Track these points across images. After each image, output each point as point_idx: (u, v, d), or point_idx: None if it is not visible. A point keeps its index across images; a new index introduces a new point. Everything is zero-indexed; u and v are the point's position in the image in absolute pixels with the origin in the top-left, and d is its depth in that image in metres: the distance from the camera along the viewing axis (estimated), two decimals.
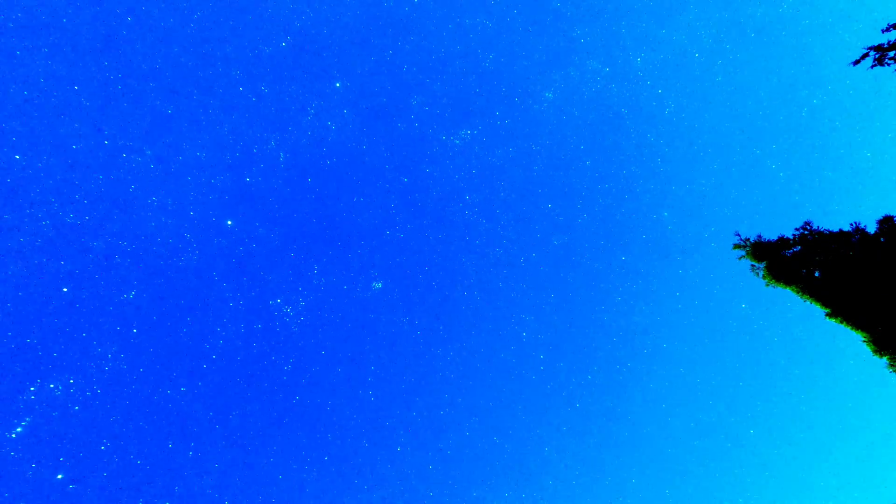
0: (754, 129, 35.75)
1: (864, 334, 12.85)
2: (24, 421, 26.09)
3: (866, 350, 13.16)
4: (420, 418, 35.25)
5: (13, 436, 25.95)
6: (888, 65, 12.75)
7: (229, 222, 28.95)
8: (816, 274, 13.49)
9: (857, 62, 13.02)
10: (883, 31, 12.73)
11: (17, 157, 23.06)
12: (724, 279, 36.63)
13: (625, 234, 36.49)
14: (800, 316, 36.45)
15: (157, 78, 26.37)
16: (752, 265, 14.56)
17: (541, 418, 37.10)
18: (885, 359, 12.77)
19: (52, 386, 26.34)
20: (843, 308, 13.00)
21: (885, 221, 12.77)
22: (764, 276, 14.33)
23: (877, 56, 12.79)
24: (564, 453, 37.25)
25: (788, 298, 38.63)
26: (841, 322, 13.19)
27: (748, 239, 14.55)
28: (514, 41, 33.50)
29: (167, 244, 28.13)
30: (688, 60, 34.88)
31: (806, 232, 13.76)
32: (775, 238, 14.20)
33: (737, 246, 14.82)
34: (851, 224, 13.27)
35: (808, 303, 13.82)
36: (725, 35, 34.37)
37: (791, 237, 13.94)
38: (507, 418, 36.84)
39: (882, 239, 12.69)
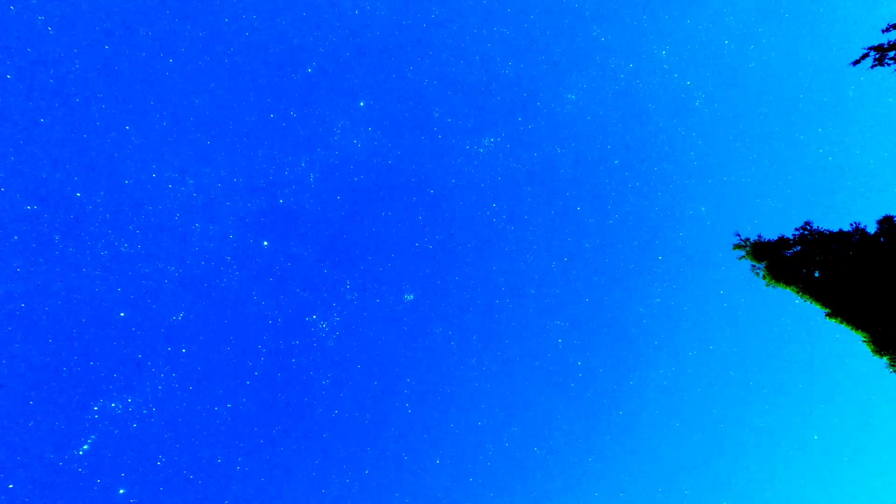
0: (754, 129, 35.76)
1: (864, 334, 12.86)
2: (90, 438, 28.60)
3: (866, 350, 13.16)
4: (457, 428, 36.09)
5: (80, 453, 28.37)
6: (888, 65, 12.76)
7: (265, 243, 31.16)
8: (816, 274, 13.49)
9: (857, 62, 13.02)
10: (883, 31, 12.73)
11: (79, 194, 25.68)
12: (724, 279, 36.64)
13: (624, 234, 36.51)
14: (800, 316, 36.47)
15: (199, 114, 29.08)
16: (752, 265, 14.56)
17: (578, 425, 37.30)
18: (885, 359, 12.78)
19: (113, 405, 28.94)
20: (843, 308, 13.00)
21: (885, 221, 12.77)
22: (764, 276, 14.33)
23: (877, 56, 12.80)
24: (581, 455, 37.34)
25: (788, 298, 38.64)
26: (841, 322, 13.20)
27: (748, 239, 14.55)
28: (531, 45, 33.72)
29: (210, 268, 30.60)
30: (686, 61, 34.89)
31: (806, 232, 13.77)
32: (775, 238, 14.20)
33: (737, 246, 14.82)
34: (851, 224, 13.27)
35: (808, 303, 13.83)
36: (725, 35, 34.39)
37: (791, 237, 13.95)
38: (546, 427, 37.27)
39: (882, 239, 12.69)
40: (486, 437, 36.39)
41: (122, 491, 28.89)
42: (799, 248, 13.78)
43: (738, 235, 14.72)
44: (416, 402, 35.41)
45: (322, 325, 33.22)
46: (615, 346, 37.14)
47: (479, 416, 36.23)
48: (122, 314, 28.18)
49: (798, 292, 13.80)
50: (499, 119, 34.66)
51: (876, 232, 12.90)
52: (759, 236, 14.42)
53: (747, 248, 14.54)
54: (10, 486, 26.35)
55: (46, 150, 26.01)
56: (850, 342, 37.10)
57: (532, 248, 35.91)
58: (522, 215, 35.63)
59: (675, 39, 34.46)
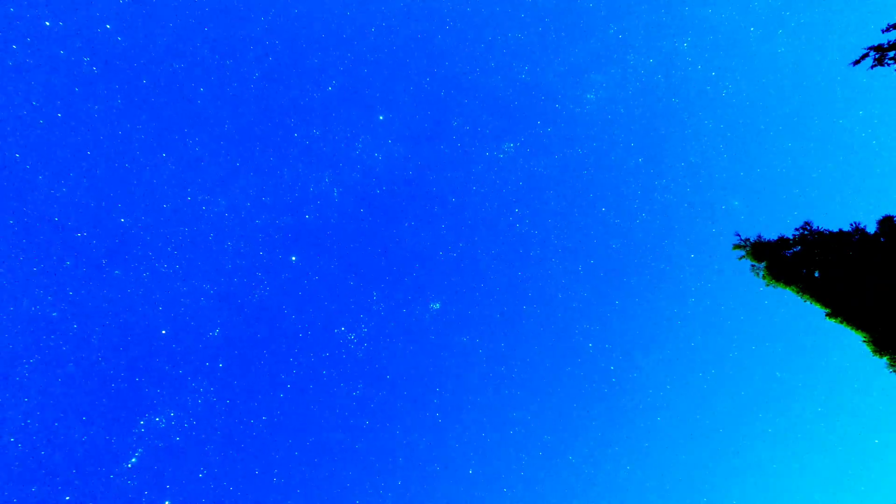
0: (754, 129, 35.73)
1: (864, 334, 12.85)
2: (138, 452, 30.43)
3: (866, 350, 13.16)
4: (490, 437, 36.64)
5: (129, 466, 30.16)
6: (888, 65, 12.75)
7: (294, 258, 32.69)
8: (816, 274, 13.49)
9: (857, 62, 13.02)
10: (883, 31, 12.73)
11: (122, 220, 28.18)
12: (724, 279, 36.62)
13: (624, 235, 36.50)
14: (800, 316, 36.45)
15: (230, 141, 31.10)
16: (752, 265, 14.56)
17: (592, 427, 37.62)
18: (885, 359, 12.78)
19: (157, 419, 30.79)
20: (843, 308, 13.00)
21: (885, 221, 12.77)
22: (764, 276, 14.32)
23: (877, 56, 12.79)
24: (590, 457, 37.49)
25: (788, 298, 38.62)
26: (841, 322, 13.19)
27: (748, 239, 14.54)
28: (546, 47, 33.94)
29: (243, 284, 32.41)
30: (685, 61, 34.85)
31: (806, 232, 13.76)
32: (775, 238, 14.20)
33: (737, 246, 14.82)
34: (851, 224, 13.27)
35: (808, 303, 13.82)
36: (724, 35, 34.37)
37: (791, 237, 13.94)
38: (579, 433, 37.61)
39: (882, 239, 12.69)
40: (518, 445, 36.91)
41: (167, 503, 30.83)
42: (799, 248, 13.78)
43: (738, 235, 14.72)
44: (447, 410, 36.24)
45: (350, 336, 34.53)
46: (615, 346, 37.14)
47: (511, 425, 36.83)
48: (163, 332, 30.30)
49: (798, 292, 13.80)
50: (517, 123, 35.11)
51: (876, 232, 12.90)
52: (759, 236, 14.41)
53: (747, 248, 14.54)
54: (67, 498, 28.37)
55: (93, 181, 28.30)
56: (850, 342, 37.10)
57: (557, 252, 36.16)
58: (546, 219, 36.07)
59: (675, 39, 34.46)
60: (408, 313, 35.11)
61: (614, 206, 36.27)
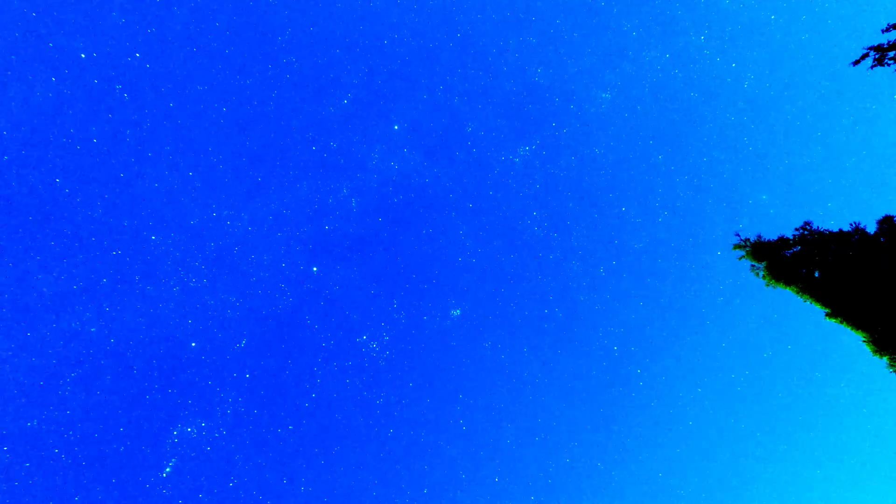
0: (754, 129, 35.73)
1: (864, 334, 12.85)
2: (172, 461, 31.75)
3: (866, 350, 13.16)
4: (514, 444, 37.05)
5: (164, 475, 31.45)
6: (888, 65, 12.75)
7: (315, 269, 33.76)
8: (816, 274, 13.49)
9: (857, 62, 13.02)
10: (883, 32, 12.73)
11: (153, 238, 29.93)
12: (725, 279, 36.62)
13: (623, 234, 36.50)
14: (800, 316, 36.44)
15: (252, 156, 32.34)
16: (752, 265, 14.56)
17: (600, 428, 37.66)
18: (885, 359, 12.78)
19: (189, 429, 32.15)
20: (843, 308, 13.00)
21: (885, 221, 12.77)
22: (764, 276, 14.33)
23: (877, 56, 12.79)
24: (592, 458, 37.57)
25: (788, 298, 38.61)
26: (841, 322, 13.19)
27: (748, 239, 14.55)
28: (558, 47, 34.09)
29: (266, 296, 33.59)
30: (685, 61, 34.86)
31: (806, 232, 13.77)
32: (775, 238, 14.20)
33: (737, 246, 14.82)
34: (851, 224, 13.27)
35: (808, 303, 13.82)
36: (724, 35, 34.37)
37: (791, 237, 13.94)
38: (600, 442, 37.87)
39: (882, 239, 12.69)
40: (543, 452, 37.17)
41: None
42: (799, 248, 13.78)
43: (738, 235, 14.72)
44: (470, 415, 36.68)
45: (372, 345, 35.31)
46: (613, 346, 37.15)
47: (537, 432, 37.14)
48: (193, 344, 31.83)
49: (798, 292, 13.80)
50: (532, 126, 35.39)
51: (876, 232, 12.90)
52: (759, 236, 14.42)
53: (747, 248, 14.54)
54: None
55: (126, 204, 30.03)
56: (850, 342, 37.09)
57: (576, 254, 36.35)
58: (564, 221, 36.27)
59: (675, 39, 34.45)
60: (429, 320, 35.86)
61: (634, 206, 36.36)
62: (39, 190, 28.29)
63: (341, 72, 32.97)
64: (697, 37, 34.25)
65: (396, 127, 34.17)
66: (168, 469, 31.26)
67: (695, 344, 37.05)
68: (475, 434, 36.42)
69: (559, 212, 35.84)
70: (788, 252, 13.93)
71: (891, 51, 12.56)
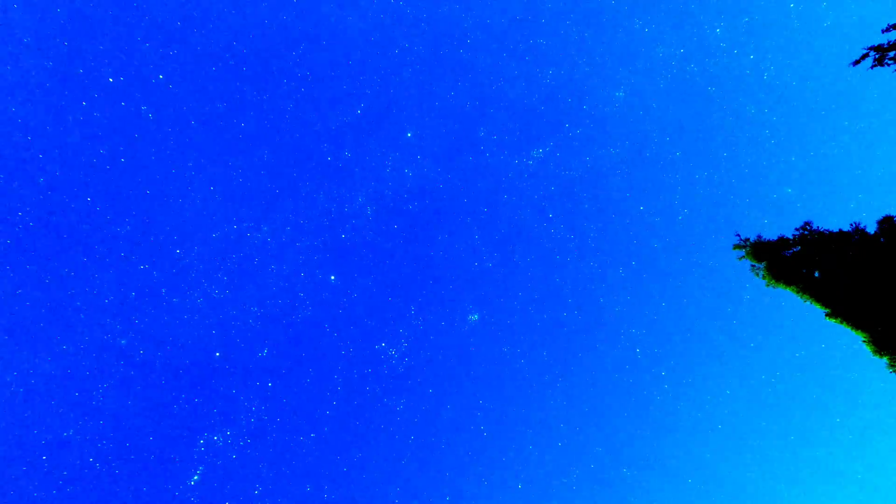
0: (754, 129, 35.74)
1: (864, 334, 12.85)
2: (199, 469, 32.87)
3: (866, 350, 13.16)
4: (537, 449, 37.38)
5: (192, 483, 32.55)
6: (888, 65, 12.76)
7: (332, 277, 34.69)
8: (816, 274, 13.49)
9: (857, 62, 13.02)
10: (883, 32, 12.73)
11: (178, 252, 31.64)
12: (724, 279, 36.63)
13: (623, 234, 36.51)
14: (800, 316, 36.45)
15: (270, 169, 33.56)
16: (752, 265, 14.56)
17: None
18: (885, 359, 12.78)
19: (215, 438, 33.29)
20: (843, 308, 13.00)
21: (885, 221, 12.77)
22: (764, 276, 14.33)
23: (877, 56, 12.79)
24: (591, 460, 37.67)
25: (788, 298, 38.59)
26: (841, 322, 13.20)
27: (748, 239, 14.55)
28: (570, 47, 34.19)
29: (287, 306, 34.67)
30: (684, 60, 34.86)
31: (806, 232, 13.77)
32: (775, 238, 14.20)
33: (737, 246, 14.82)
34: (851, 224, 13.27)
35: (808, 303, 13.82)
36: (724, 34, 34.38)
37: (791, 237, 13.94)
38: (616, 448, 38.03)
39: (882, 239, 12.69)
40: (565, 456, 37.43)
41: None
42: (799, 248, 13.78)
43: (738, 235, 14.72)
44: (490, 421, 37.01)
45: (391, 352, 35.85)
46: (613, 347, 37.17)
47: (559, 437, 37.34)
48: (217, 354, 33.16)
49: (798, 292, 13.80)
50: (545, 128, 35.62)
51: (876, 232, 12.90)
52: (759, 236, 14.42)
53: (747, 248, 14.54)
54: None
55: (152, 216, 31.52)
56: (850, 342, 37.08)
57: (595, 255, 36.49)
58: (582, 223, 36.46)
59: (674, 39, 34.46)
60: (447, 326, 36.27)
61: (635, 206, 36.38)
62: (72, 208, 29.93)
63: (353, 82, 33.87)
64: (696, 37, 34.28)
65: (409, 134, 34.78)
66: (196, 477, 32.45)
67: (694, 344, 37.08)
68: (497, 439, 36.83)
69: (575, 213, 36.01)
70: (788, 252, 13.93)
71: (891, 51, 12.56)
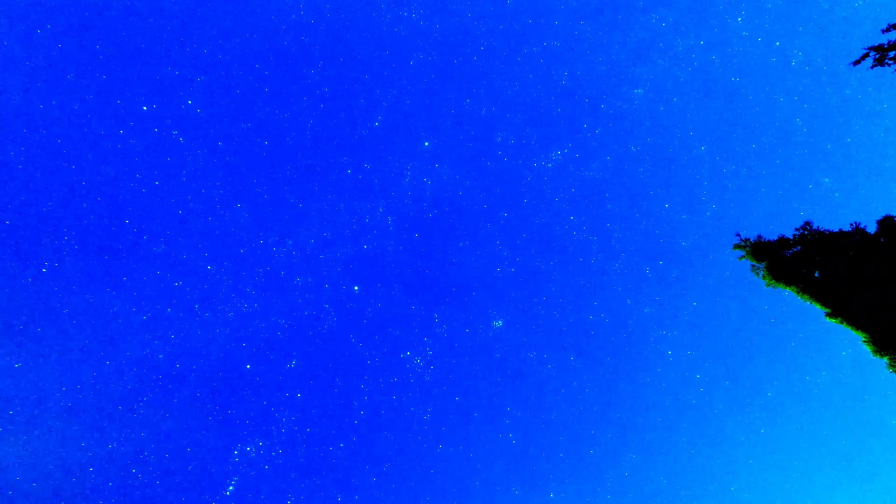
0: (754, 129, 35.74)
1: (864, 334, 12.86)
2: (234, 480, 33.85)
3: (866, 350, 13.17)
4: (566, 455, 37.49)
5: (228, 493, 33.61)
6: (888, 65, 12.76)
7: (356, 288, 35.47)
8: (816, 274, 13.49)
9: (857, 62, 13.03)
10: (883, 32, 12.73)
11: (209, 268, 33.12)
12: (724, 279, 36.64)
13: (622, 234, 36.52)
14: (800, 316, 36.45)
15: (293, 184, 34.69)
16: (752, 265, 14.57)
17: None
18: (885, 359, 12.78)
19: (248, 449, 34.36)
20: (843, 308, 13.00)
21: (885, 221, 12.77)
22: (764, 277, 14.33)
23: (877, 56, 12.80)
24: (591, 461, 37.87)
25: (788, 298, 38.60)
26: (841, 322, 13.20)
27: (748, 239, 14.55)
28: (584, 46, 34.31)
29: (312, 317, 35.63)
30: (683, 60, 34.87)
31: (806, 232, 13.77)
32: (775, 238, 14.20)
33: (737, 246, 14.83)
34: (851, 224, 13.27)
35: (808, 303, 13.83)
36: (724, 34, 34.37)
37: (791, 237, 13.95)
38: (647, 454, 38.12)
39: (882, 239, 12.69)
40: (593, 464, 37.49)
41: None
42: (799, 248, 13.79)
43: (739, 235, 14.73)
44: (518, 427, 37.12)
45: (416, 360, 36.34)
46: (612, 347, 37.18)
47: (590, 444, 37.40)
48: (248, 366, 34.35)
49: (798, 292, 13.80)
50: (563, 129, 35.73)
51: (876, 232, 12.90)
52: (759, 236, 14.42)
53: (747, 248, 14.54)
54: None
55: (185, 238, 32.86)
56: (850, 342, 37.09)
57: (619, 256, 36.62)
58: (604, 224, 36.57)
59: (674, 38, 34.46)
60: (471, 333, 36.65)
61: (634, 206, 36.40)
62: (106, 230, 31.48)
63: (369, 96, 34.50)
64: (695, 36, 34.29)
65: (427, 143, 35.36)
66: (231, 488, 33.57)
67: (694, 344, 37.09)
68: (525, 445, 36.97)
69: (596, 214, 36.13)
70: (788, 252, 13.94)
71: (891, 51, 12.56)
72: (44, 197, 29.85)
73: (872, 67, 12.92)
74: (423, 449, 35.88)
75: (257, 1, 31.18)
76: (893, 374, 12.84)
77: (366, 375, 35.62)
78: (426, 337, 36.10)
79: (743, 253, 14.71)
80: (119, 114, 30.50)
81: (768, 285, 14.32)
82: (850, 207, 36.31)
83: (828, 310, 13.34)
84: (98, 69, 29.84)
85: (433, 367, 35.99)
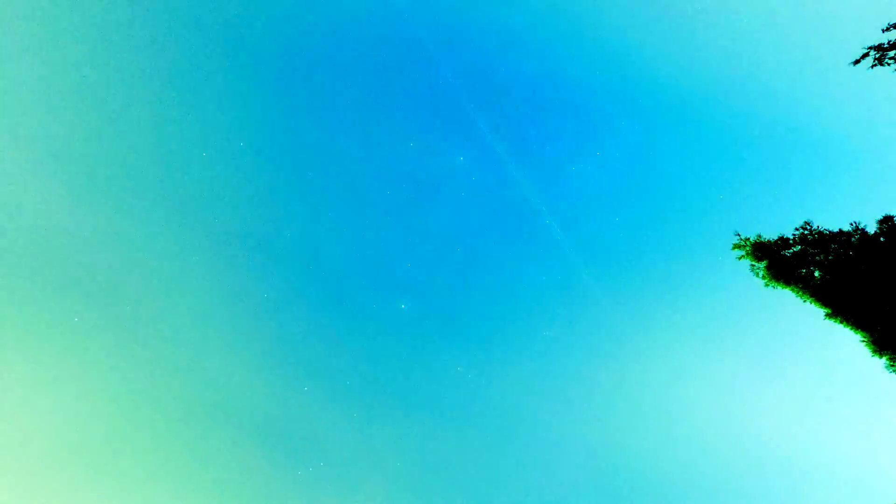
0: (754, 129, 35.74)
1: (864, 334, 12.85)
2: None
3: (866, 350, 13.16)
4: (619, 468, 37.90)
5: None
6: (888, 65, 12.75)
7: (403, 306, 37.02)
8: (816, 274, 13.48)
9: (857, 62, 13.02)
10: (883, 31, 12.73)
11: (266, 294, 35.46)
12: (724, 279, 36.63)
13: (622, 234, 36.53)
14: (799, 316, 36.45)
15: (334, 204, 36.35)
16: (752, 265, 14.56)
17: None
18: (885, 359, 12.78)
19: (310, 469, 35.27)
20: (842, 308, 13.00)
21: (885, 221, 12.76)
22: (763, 276, 14.32)
23: (877, 56, 12.79)
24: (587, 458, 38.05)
25: (788, 298, 38.53)
26: (841, 322, 13.19)
27: (748, 239, 14.54)
28: (599, 46, 34.58)
29: (365, 335, 37.29)
30: (684, 60, 34.88)
31: (806, 232, 13.76)
32: (775, 238, 14.19)
33: (736, 246, 14.81)
34: (851, 224, 13.26)
35: (807, 303, 13.82)
36: (724, 34, 34.37)
37: (791, 237, 13.93)
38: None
39: (882, 239, 12.68)
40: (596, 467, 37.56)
41: None
42: (799, 248, 13.78)
43: (738, 235, 14.71)
44: (570, 440, 37.43)
45: (458, 368, 37.27)
46: (612, 347, 37.20)
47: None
48: (305, 389, 36.23)
49: (798, 292, 13.79)
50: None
51: (876, 232, 12.89)
52: (759, 236, 14.41)
53: (747, 248, 14.53)
54: None
55: (226, 260, 34.55)
56: (850, 342, 37.04)
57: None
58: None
59: (673, 38, 34.46)
60: (520, 343, 37.28)
61: (636, 206, 36.49)
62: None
63: (400, 117, 35.59)
64: (695, 36, 34.26)
65: (462, 158, 36.49)
66: None
67: (694, 344, 37.09)
68: (579, 463, 37.15)
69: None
70: (788, 252, 13.93)
71: (891, 51, 12.56)
72: None
73: (872, 67, 12.91)
74: (477, 466, 36.10)
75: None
76: (893, 373, 12.84)
77: (419, 391, 37.08)
78: (478, 352, 36.94)
79: (742, 253, 14.69)
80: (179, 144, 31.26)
81: (767, 285, 14.31)
82: (850, 207, 36.30)
83: (828, 310, 13.34)
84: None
85: (471, 376, 36.56)
